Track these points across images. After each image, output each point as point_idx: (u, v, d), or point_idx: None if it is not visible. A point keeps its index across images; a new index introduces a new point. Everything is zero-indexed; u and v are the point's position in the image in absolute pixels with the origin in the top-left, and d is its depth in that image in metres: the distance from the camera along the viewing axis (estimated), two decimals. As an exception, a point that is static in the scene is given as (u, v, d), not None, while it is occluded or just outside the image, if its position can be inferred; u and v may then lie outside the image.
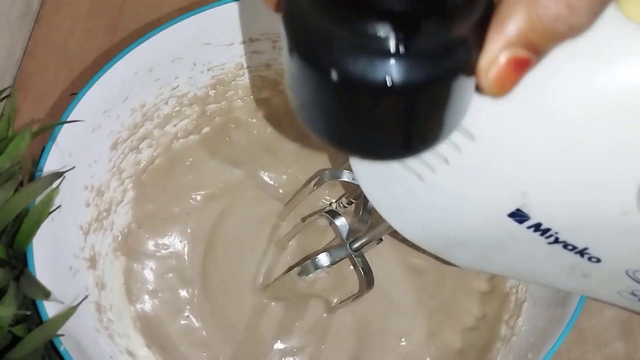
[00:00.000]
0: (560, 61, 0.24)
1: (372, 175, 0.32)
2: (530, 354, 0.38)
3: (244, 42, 0.45)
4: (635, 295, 0.32)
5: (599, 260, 0.30)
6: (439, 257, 0.34)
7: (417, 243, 0.33)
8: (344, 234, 0.42)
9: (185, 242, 0.48)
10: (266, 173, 0.50)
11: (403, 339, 0.46)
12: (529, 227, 0.28)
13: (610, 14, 0.23)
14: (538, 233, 0.29)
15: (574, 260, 0.30)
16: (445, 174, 0.28)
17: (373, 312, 0.46)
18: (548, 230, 0.28)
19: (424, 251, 0.47)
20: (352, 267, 0.47)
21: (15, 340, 0.34)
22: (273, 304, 0.46)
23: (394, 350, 0.45)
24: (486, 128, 0.26)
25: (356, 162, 0.32)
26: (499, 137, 0.26)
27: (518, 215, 0.28)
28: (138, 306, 0.45)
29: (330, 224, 0.46)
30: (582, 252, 0.29)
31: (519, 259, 0.32)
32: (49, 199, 0.35)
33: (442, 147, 0.27)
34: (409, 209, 0.31)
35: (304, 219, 0.47)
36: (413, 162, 0.29)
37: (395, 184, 0.30)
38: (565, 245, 0.29)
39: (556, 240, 0.29)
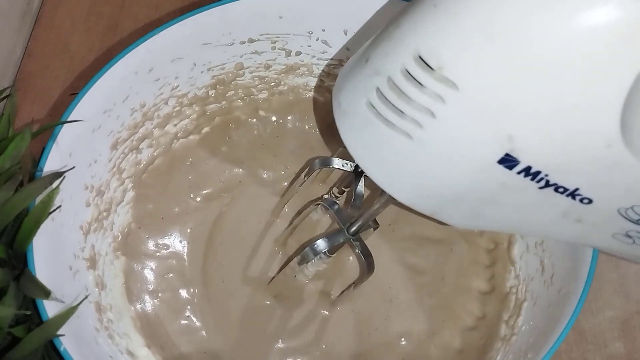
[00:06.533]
0: (539, 6, 0.25)
1: (361, 142, 0.32)
2: (530, 353, 0.38)
3: (243, 42, 0.45)
4: (629, 236, 0.32)
5: (590, 201, 0.30)
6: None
7: (411, 205, 0.33)
8: (342, 219, 0.42)
9: (185, 242, 0.48)
10: (266, 172, 0.50)
11: (403, 339, 0.46)
12: (519, 172, 0.29)
13: None
14: (529, 178, 0.29)
15: (566, 204, 0.30)
16: (433, 128, 0.28)
17: (373, 312, 0.46)
18: (538, 173, 0.29)
19: (423, 251, 0.48)
20: (351, 259, 0.47)
21: (15, 340, 0.34)
22: (272, 303, 0.46)
23: (394, 349, 0.45)
24: (468, 76, 0.27)
25: (345, 131, 0.32)
26: (481, 83, 0.27)
27: (507, 161, 0.28)
28: (138, 306, 0.45)
29: (327, 210, 0.46)
30: (573, 194, 0.30)
31: (512, 210, 0.32)
32: (49, 199, 0.35)
33: (427, 101, 0.28)
34: (400, 171, 0.32)
35: (299, 212, 0.47)
36: (400, 121, 0.29)
37: (385, 147, 0.30)
38: (557, 188, 0.30)
39: (547, 184, 0.29)
